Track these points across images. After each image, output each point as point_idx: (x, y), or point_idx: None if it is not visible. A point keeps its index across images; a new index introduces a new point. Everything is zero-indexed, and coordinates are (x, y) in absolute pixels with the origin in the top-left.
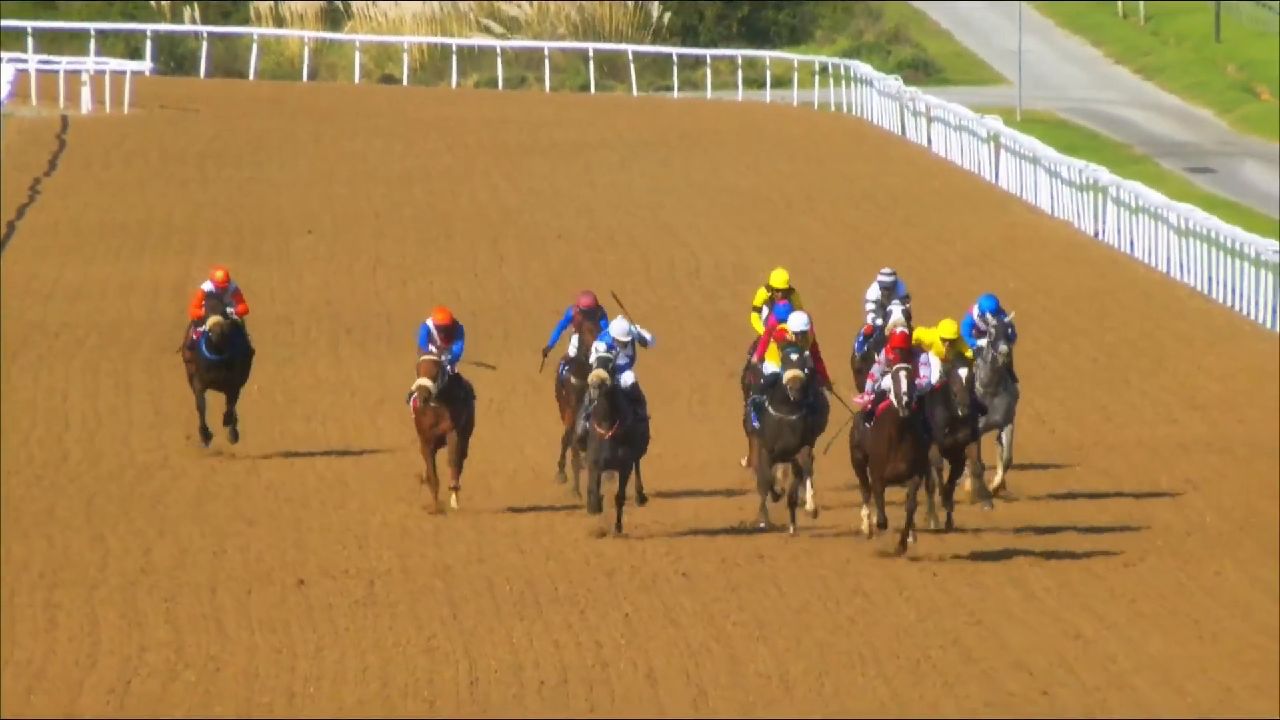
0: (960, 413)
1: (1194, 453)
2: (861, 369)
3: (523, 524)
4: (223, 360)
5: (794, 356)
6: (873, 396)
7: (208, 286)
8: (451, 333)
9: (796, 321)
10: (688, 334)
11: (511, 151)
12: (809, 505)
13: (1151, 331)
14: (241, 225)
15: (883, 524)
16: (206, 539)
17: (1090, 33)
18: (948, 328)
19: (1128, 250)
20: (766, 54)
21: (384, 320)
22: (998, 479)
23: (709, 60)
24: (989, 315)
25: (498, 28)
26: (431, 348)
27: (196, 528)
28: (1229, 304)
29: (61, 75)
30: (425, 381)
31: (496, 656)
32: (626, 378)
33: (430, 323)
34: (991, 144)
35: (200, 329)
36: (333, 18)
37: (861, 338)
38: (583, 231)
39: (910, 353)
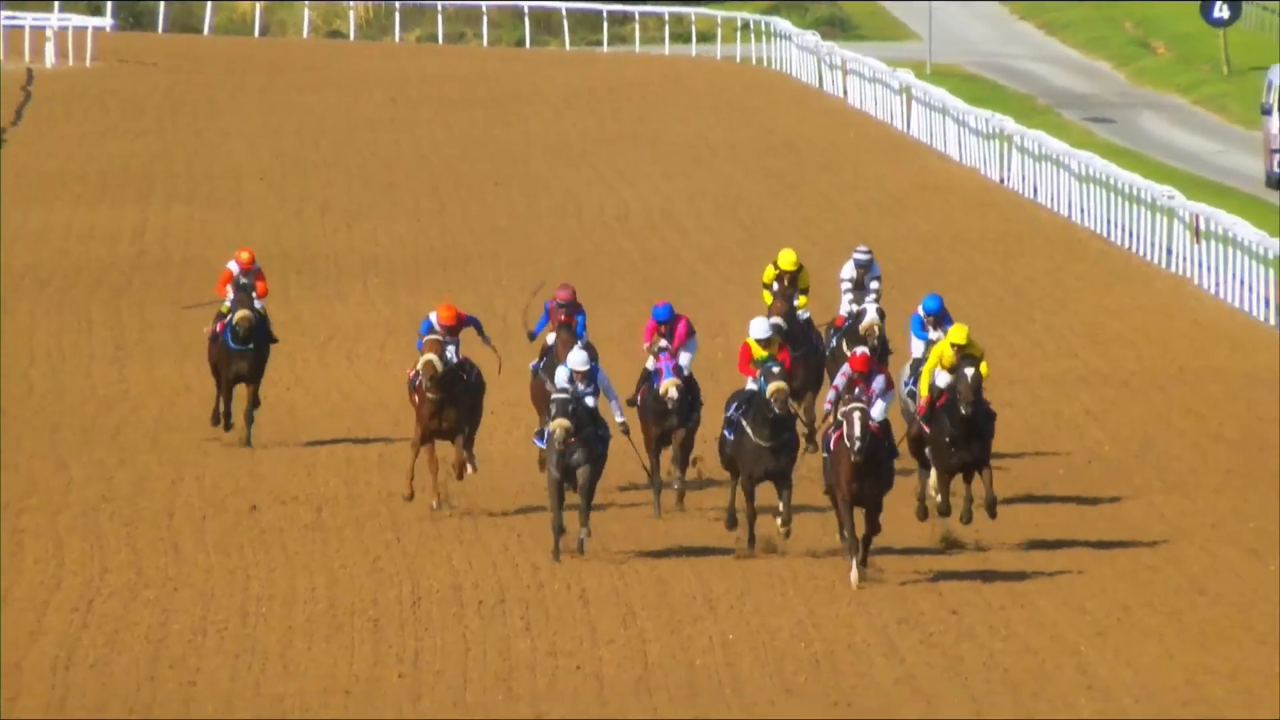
0: (964, 410)
1: (1093, 385)
2: (831, 365)
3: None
4: (247, 349)
5: (775, 370)
6: (831, 428)
7: (234, 267)
8: (455, 332)
9: (756, 329)
10: (617, 276)
11: (451, 103)
12: (785, 524)
13: (1054, 272)
14: (196, 172)
15: (853, 544)
16: (164, 467)
17: None
18: (959, 333)
19: (1031, 195)
20: (692, 10)
21: (331, 262)
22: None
23: (637, 17)
24: (928, 316)
25: None
26: (431, 336)
27: (154, 457)
28: (1127, 246)
29: (27, 31)
30: (431, 356)
31: (437, 578)
32: (593, 402)
33: (434, 318)
34: (903, 96)
35: (225, 320)
36: None
37: (833, 330)
38: (518, 179)
39: (868, 376)
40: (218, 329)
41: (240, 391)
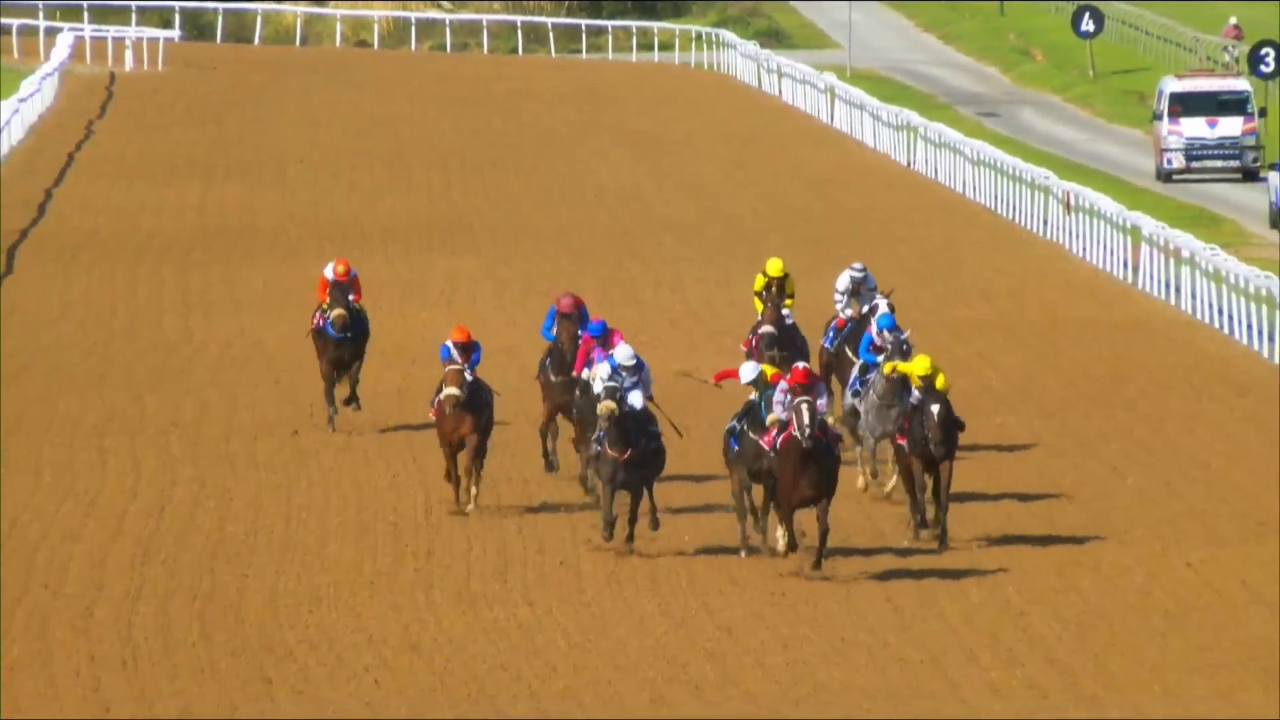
0: (933, 449)
1: (984, 332)
2: (832, 362)
3: None
4: (345, 339)
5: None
6: (775, 433)
7: (329, 274)
8: (468, 349)
9: (746, 373)
10: (596, 240)
11: (457, 101)
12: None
13: (952, 240)
14: (246, 157)
15: (793, 546)
16: (222, 400)
17: (904, 8)
18: (921, 364)
19: (933, 176)
20: (655, 24)
21: (357, 230)
22: (890, 484)
23: (610, 30)
24: (886, 333)
25: (447, 4)
26: (451, 366)
27: (214, 391)
28: (1010, 218)
29: (110, 41)
30: (454, 390)
31: (447, 492)
32: (635, 399)
33: (449, 342)
34: (828, 94)
35: (324, 315)
36: None
37: (832, 332)
38: (513, 162)
39: (810, 388)
40: (319, 322)
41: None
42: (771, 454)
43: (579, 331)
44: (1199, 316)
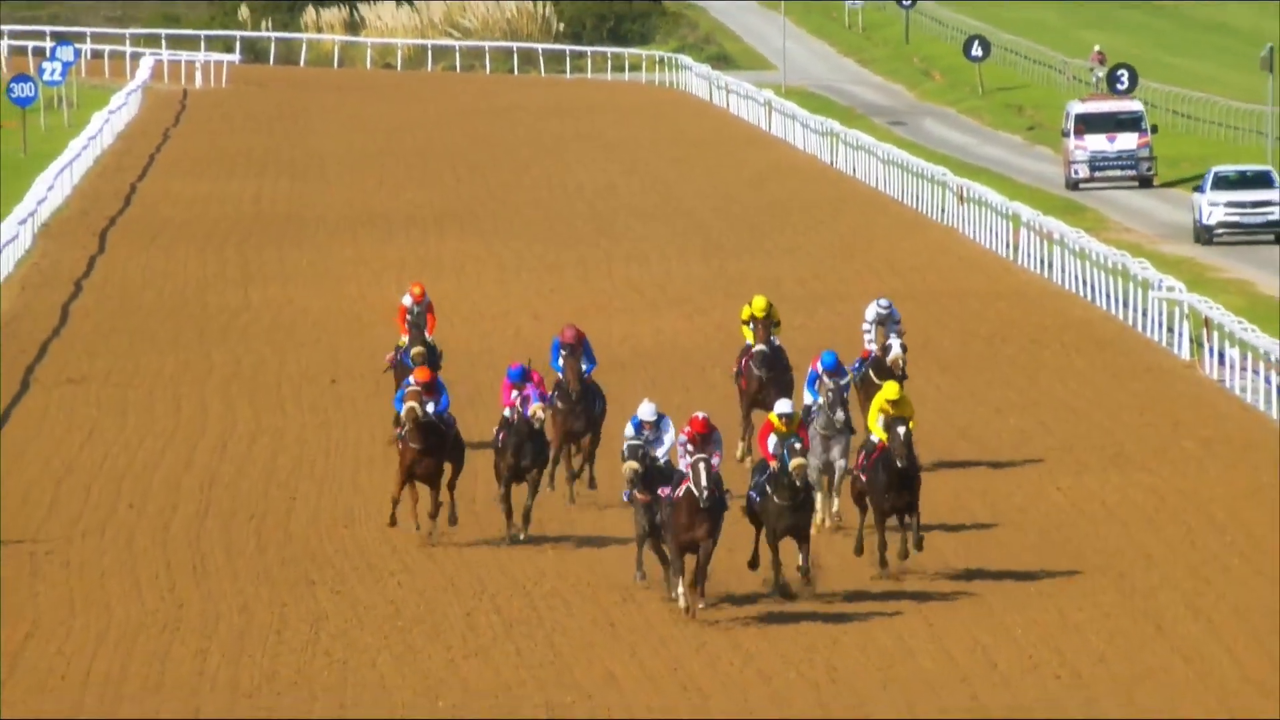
0: (900, 464)
1: (897, 299)
2: (860, 389)
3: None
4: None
5: (797, 446)
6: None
7: (407, 301)
8: (432, 387)
9: (781, 406)
10: (576, 225)
11: (464, 113)
12: (806, 573)
13: (866, 226)
14: (294, 158)
15: (679, 575)
16: (274, 355)
17: (828, 37)
18: (891, 389)
19: (851, 173)
20: (625, 50)
21: (384, 218)
22: (834, 507)
23: (589, 54)
24: (826, 378)
25: (456, 34)
26: (410, 390)
27: (268, 348)
28: (914, 207)
29: (183, 64)
30: (412, 404)
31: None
32: (660, 452)
33: (411, 378)
34: (766, 107)
35: (403, 351)
36: (353, 27)
37: (859, 362)
38: (509, 162)
39: (706, 438)
40: (398, 357)
41: None
42: (668, 502)
43: (583, 365)
44: (1067, 287)
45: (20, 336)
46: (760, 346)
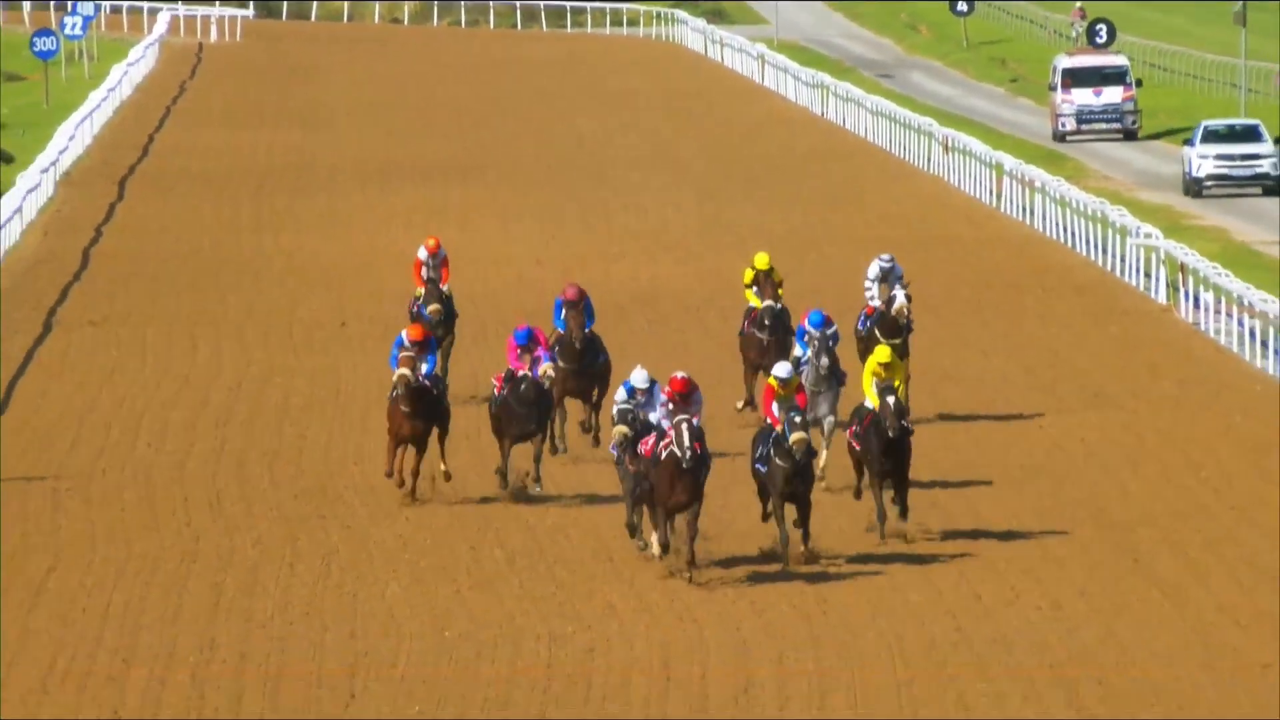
0: (890, 433)
1: (882, 245)
2: (862, 345)
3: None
4: (440, 324)
5: (797, 419)
6: (654, 441)
7: (422, 254)
8: (424, 347)
9: (780, 370)
10: (576, 174)
11: (469, 66)
12: (806, 535)
13: (855, 175)
14: (306, 109)
15: (666, 547)
16: (286, 298)
17: None
18: (882, 353)
19: (841, 124)
20: (624, 5)
21: (393, 167)
22: (822, 460)
23: (589, 10)
24: (813, 331)
25: None
26: (404, 353)
27: (280, 292)
28: (904, 158)
29: (198, 19)
30: (404, 371)
31: (460, 371)
32: (651, 417)
33: (404, 335)
34: (759, 61)
35: (419, 303)
36: None
37: (864, 317)
38: (511, 113)
39: (687, 397)
40: (415, 308)
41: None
42: (652, 461)
43: (585, 320)
44: (1048, 234)
45: (43, 280)
46: (768, 302)
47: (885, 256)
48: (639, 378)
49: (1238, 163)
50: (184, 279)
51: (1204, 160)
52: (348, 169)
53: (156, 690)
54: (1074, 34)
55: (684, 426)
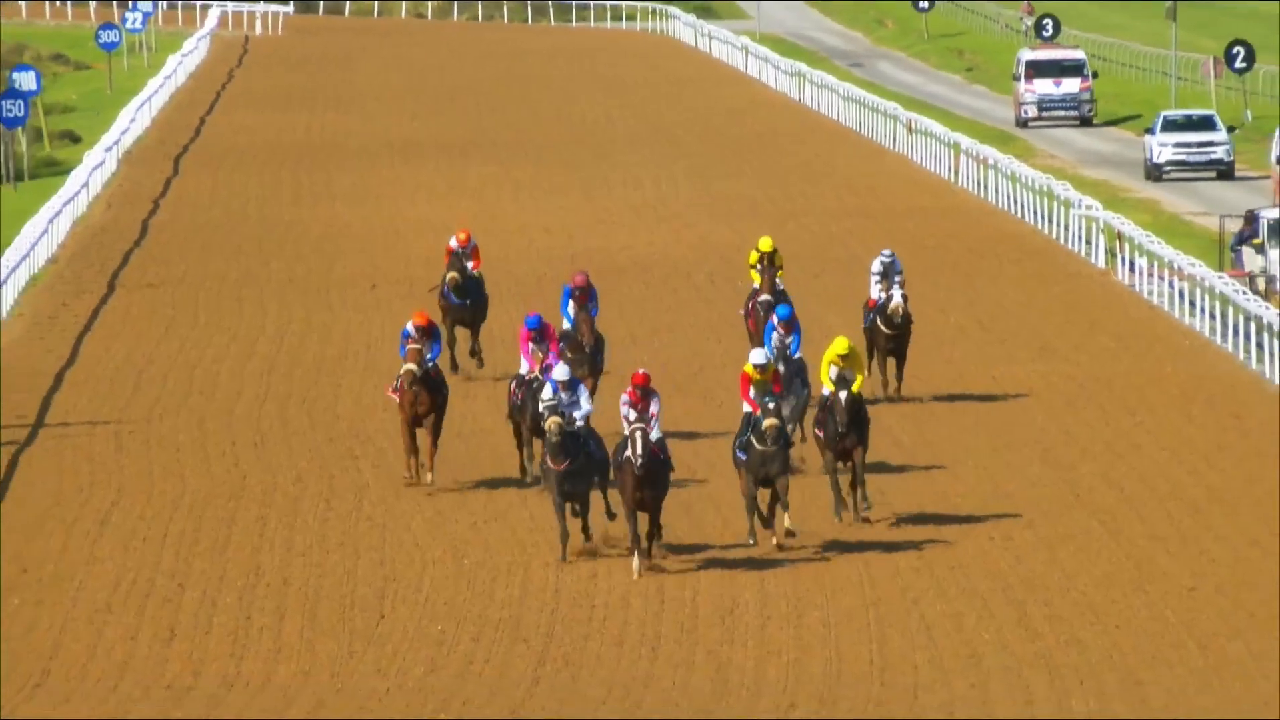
0: (839, 429)
1: (851, 216)
2: (868, 337)
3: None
4: (464, 304)
5: (770, 405)
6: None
7: (454, 244)
8: (428, 333)
9: (755, 356)
10: (579, 151)
11: (485, 56)
12: (786, 524)
13: (829, 153)
14: (339, 93)
15: (635, 540)
16: (321, 259)
17: None
18: (841, 344)
19: (816, 108)
20: (622, 2)
21: (417, 145)
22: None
23: (591, 6)
24: (780, 328)
25: None
26: (411, 344)
27: (317, 256)
28: (872, 138)
29: (244, 14)
30: (411, 366)
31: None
32: (578, 414)
33: (410, 325)
34: (744, 52)
35: (447, 286)
36: None
37: (868, 312)
38: (523, 96)
39: (646, 392)
40: (442, 290)
41: (462, 334)
42: (614, 463)
43: (592, 314)
44: (1000, 205)
45: (106, 247)
46: (765, 295)
47: (886, 253)
48: (561, 372)
49: (1194, 149)
50: (231, 245)
51: (1164, 147)
52: (376, 146)
53: (208, 610)
54: (1024, 28)
55: (638, 435)
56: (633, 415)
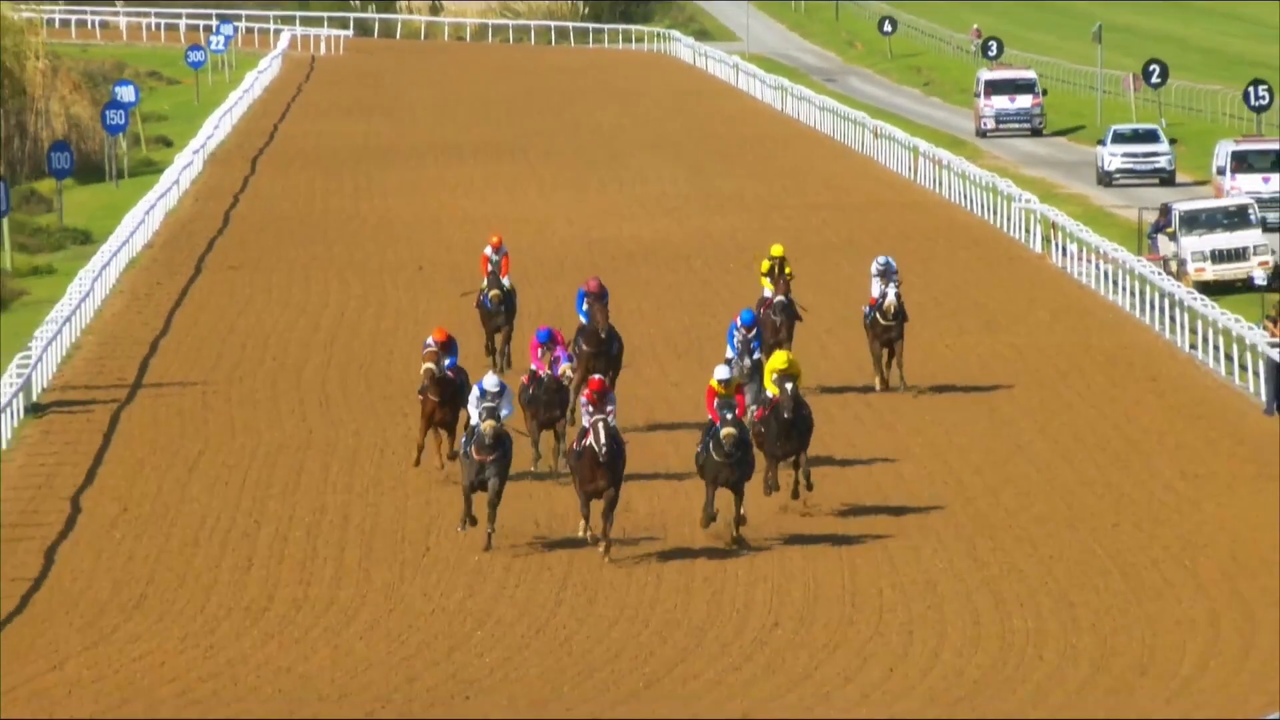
0: (786, 415)
1: (824, 209)
2: (869, 332)
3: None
4: (501, 310)
5: (729, 415)
6: (577, 437)
7: (488, 250)
8: (447, 347)
9: (719, 373)
10: (595, 154)
11: (515, 72)
12: (734, 532)
13: (807, 155)
14: (391, 102)
15: (588, 528)
16: (376, 248)
17: (779, 17)
18: (779, 359)
19: (796, 117)
20: (632, 27)
21: (454, 148)
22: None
23: (605, 30)
24: (742, 328)
25: (510, 15)
26: (428, 351)
27: (372, 243)
28: (842, 141)
29: (311, 37)
30: (430, 365)
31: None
32: (503, 413)
33: (430, 339)
34: (735, 69)
35: (483, 293)
36: (434, 9)
37: (869, 308)
38: (547, 107)
39: (603, 396)
40: (482, 297)
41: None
42: (574, 453)
43: (608, 311)
44: (952, 200)
45: (194, 235)
46: (780, 298)
47: (880, 258)
48: (491, 382)
49: (1140, 159)
50: (300, 233)
51: (1113, 157)
52: (422, 149)
53: (280, 544)
54: (973, 49)
55: (600, 425)
56: (591, 409)
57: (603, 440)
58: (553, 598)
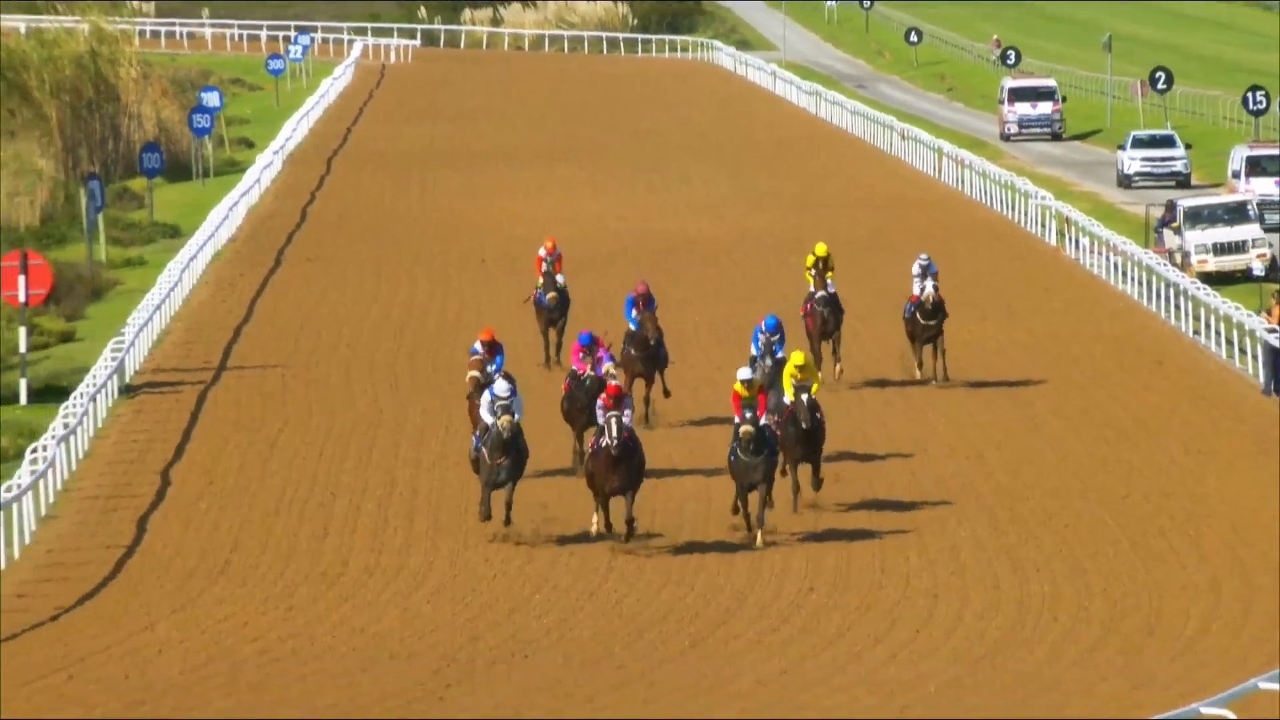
0: (804, 425)
1: (852, 206)
2: (908, 327)
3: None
4: (555, 309)
5: (748, 414)
6: (595, 436)
7: (542, 252)
8: (494, 348)
9: (742, 373)
10: (641, 156)
11: (570, 80)
12: (759, 540)
13: (839, 156)
14: (454, 109)
15: (607, 527)
16: (441, 244)
17: (813, 27)
18: (798, 358)
19: (829, 120)
20: (678, 37)
21: (517, 150)
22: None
23: (653, 40)
24: (765, 332)
25: (565, 26)
26: (473, 359)
27: (437, 239)
28: (872, 143)
29: (382, 47)
30: (475, 373)
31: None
32: (516, 416)
33: (478, 342)
34: (773, 76)
35: (539, 292)
36: (496, 21)
37: (909, 304)
38: (599, 112)
39: (619, 400)
40: (536, 296)
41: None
42: (590, 452)
43: (653, 311)
44: (974, 197)
45: (274, 229)
46: (821, 293)
47: (923, 257)
48: (501, 388)
49: (1158, 163)
50: (372, 229)
51: (1133, 161)
52: (484, 152)
53: (354, 514)
54: (993, 57)
55: (613, 421)
56: (606, 412)
57: (614, 434)
58: (604, 564)
